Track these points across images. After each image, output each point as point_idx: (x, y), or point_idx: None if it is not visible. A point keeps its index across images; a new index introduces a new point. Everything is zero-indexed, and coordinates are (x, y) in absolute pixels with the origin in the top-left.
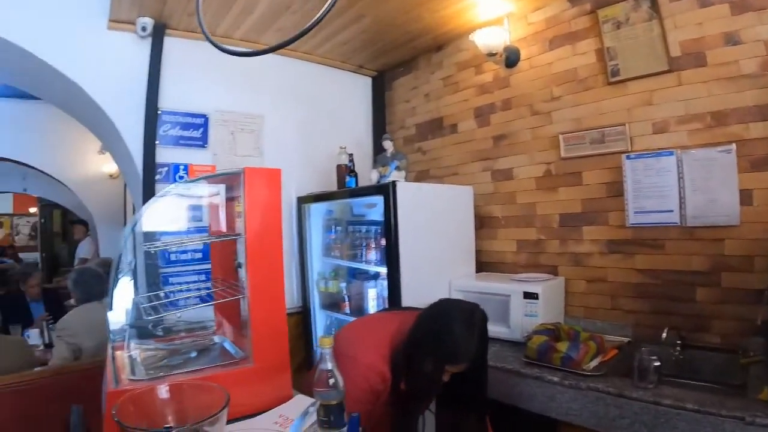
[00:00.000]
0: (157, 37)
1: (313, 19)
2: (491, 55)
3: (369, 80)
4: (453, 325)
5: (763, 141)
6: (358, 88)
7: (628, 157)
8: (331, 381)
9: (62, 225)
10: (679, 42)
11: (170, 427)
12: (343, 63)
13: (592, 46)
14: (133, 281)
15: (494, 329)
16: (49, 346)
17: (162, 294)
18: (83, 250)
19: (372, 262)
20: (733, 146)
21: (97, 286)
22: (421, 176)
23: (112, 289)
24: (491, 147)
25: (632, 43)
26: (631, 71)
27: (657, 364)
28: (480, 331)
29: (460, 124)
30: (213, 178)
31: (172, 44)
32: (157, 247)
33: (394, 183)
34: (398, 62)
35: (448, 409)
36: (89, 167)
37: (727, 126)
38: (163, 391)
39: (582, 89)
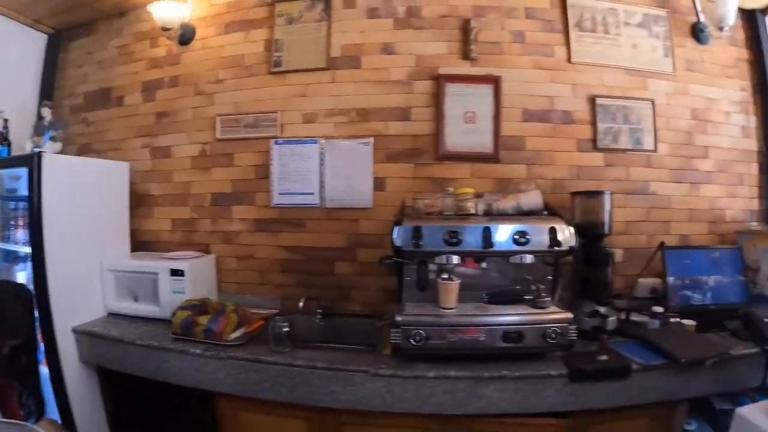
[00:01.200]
0: None
1: None
2: (166, 29)
3: (45, 38)
4: (14, 304)
5: (399, 137)
6: (32, 46)
7: (276, 142)
8: None
9: None
10: (341, 45)
11: None
12: (18, 14)
13: (263, 36)
14: None
15: (146, 308)
16: None
17: None
18: None
19: (21, 242)
20: (372, 140)
21: None
22: (83, 150)
23: None
24: (153, 123)
25: (299, 39)
26: (292, 64)
27: (287, 329)
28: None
29: (127, 97)
30: None
31: None
32: None
33: (39, 154)
34: (80, 22)
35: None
36: None
37: (369, 122)
38: None
39: (246, 75)
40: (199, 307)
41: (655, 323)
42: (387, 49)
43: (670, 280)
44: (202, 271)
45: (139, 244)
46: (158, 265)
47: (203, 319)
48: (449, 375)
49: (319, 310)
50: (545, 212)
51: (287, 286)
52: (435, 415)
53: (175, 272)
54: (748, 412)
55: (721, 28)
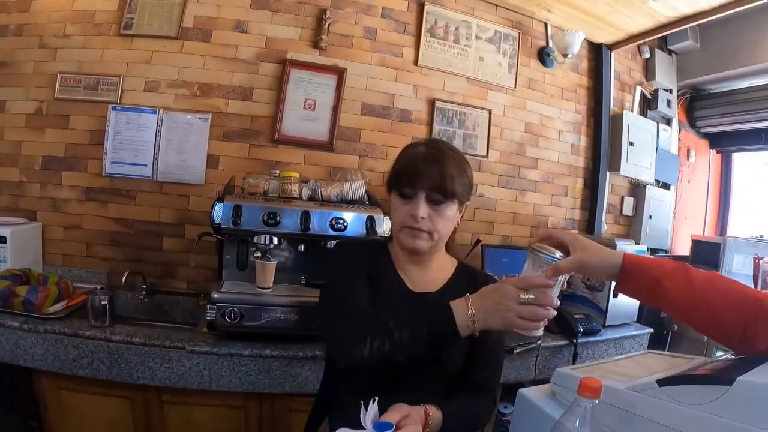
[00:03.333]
0: None
1: None
2: None
3: None
4: None
5: (238, 116)
6: None
7: (114, 108)
8: None
9: None
10: (194, 15)
11: None
12: None
13: None
14: None
15: None
16: None
17: None
18: None
19: None
20: (210, 116)
21: None
22: None
23: None
24: None
25: (154, 3)
26: (143, 28)
27: (105, 303)
28: None
29: None
30: None
31: None
32: None
33: None
34: None
35: None
36: None
37: (209, 98)
38: None
39: (94, 33)
40: (20, 277)
41: None
42: (239, 27)
43: None
44: (26, 240)
45: None
46: None
47: (22, 290)
48: (264, 354)
49: (144, 286)
50: (367, 202)
51: (114, 260)
52: (253, 393)
53: None
54: (529, 391)
55: (565, 55)
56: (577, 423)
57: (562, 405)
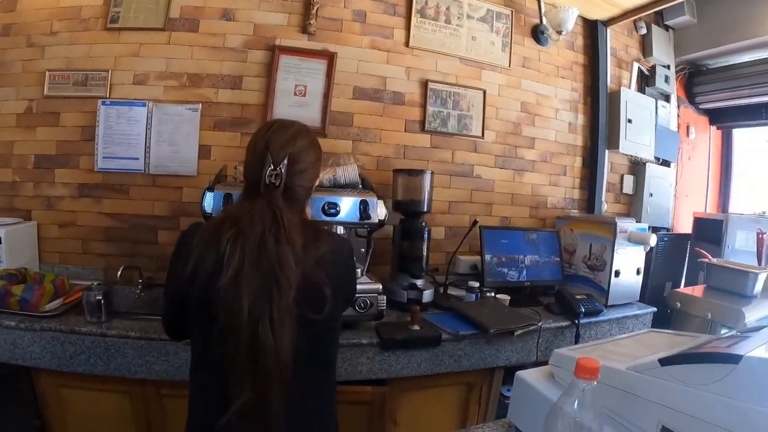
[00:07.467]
0: None
1: None
2: None
3: None
4: None
5: (227, 105)
6: None
7: (103, 103)
8: None
9: None
10: (181, 6)
11: None
12: None
13: None
14: None
15: None
16: None
17: None
18: None
19: None
20: (200, 106)
21: None
22: None
23: None
24: None
25: None
26: (129, 21)
27: (100, 298)
28: None
29: None
30: None
31: None
32: None
33: None
34: None
35: None
36: None
37: (199, 88)
38: None
39: (81, 29)
40: (16, 276)
41: (471, 297)
42: (226, 15)
43: (487, 257)
44: (21, 239)
45: None
46: None
47: (17, 289)
48: None
49: (140, 281)
50: (361, 186)
51: (110, 256)
52: None
53: None
54: (527, 374)
55: (560, 33)
56: (575, 405)
57: (561, 387)
